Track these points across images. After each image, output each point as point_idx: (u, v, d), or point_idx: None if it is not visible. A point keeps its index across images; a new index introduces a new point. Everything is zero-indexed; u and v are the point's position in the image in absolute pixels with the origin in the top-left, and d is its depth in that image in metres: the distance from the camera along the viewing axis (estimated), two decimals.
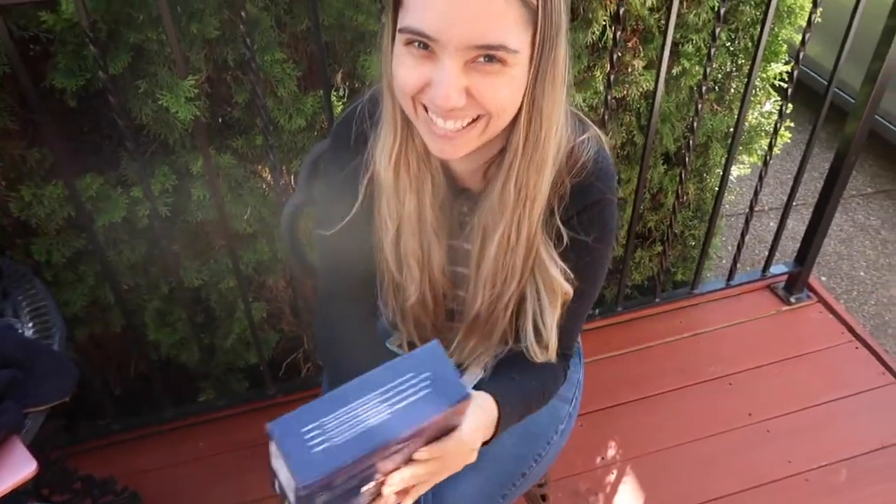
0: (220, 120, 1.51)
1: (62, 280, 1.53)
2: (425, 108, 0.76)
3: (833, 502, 1.63)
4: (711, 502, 1.64)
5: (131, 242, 1.54)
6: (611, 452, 1.75)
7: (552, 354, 0.94)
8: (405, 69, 0.74)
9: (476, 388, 0.92)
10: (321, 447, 0.66)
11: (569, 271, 0.90)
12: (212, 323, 1.77)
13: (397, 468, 0.74)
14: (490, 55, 0.71)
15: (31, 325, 1.14)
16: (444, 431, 0.77)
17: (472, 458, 0.83)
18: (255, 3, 1.34)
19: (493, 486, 1.04)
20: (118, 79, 1.31)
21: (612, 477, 1.70)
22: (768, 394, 1.88)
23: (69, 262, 1.50)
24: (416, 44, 0.71)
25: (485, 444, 0.86)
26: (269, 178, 1.57)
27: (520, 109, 0.77)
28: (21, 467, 0.92)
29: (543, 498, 1.33)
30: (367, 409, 0.69)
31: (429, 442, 0.76)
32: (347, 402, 0.69)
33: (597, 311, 2.05)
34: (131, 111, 1.36)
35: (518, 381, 0.94)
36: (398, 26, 0.73)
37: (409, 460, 0.75)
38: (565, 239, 0.88)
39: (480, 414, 0.84)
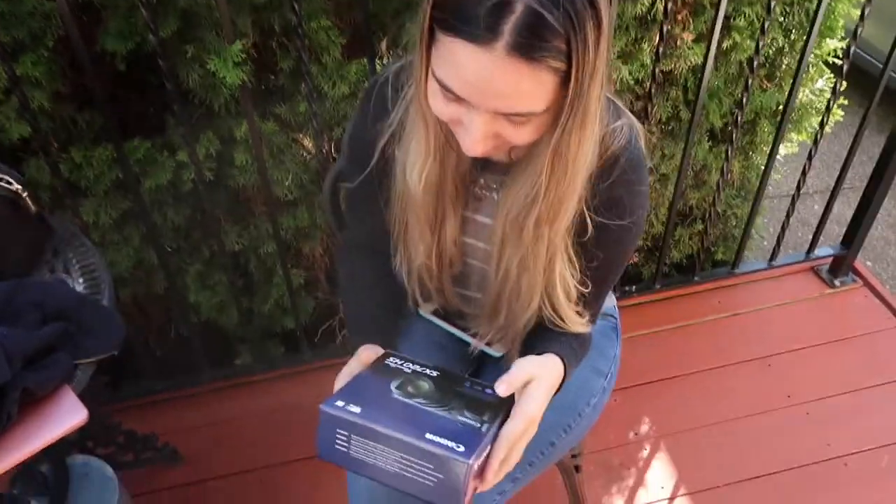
0: (263, 87, 1.51)
1: (108, 241, 1.57)
2: None
3: (874, 487, 1.61)
4: (748, 482, 1.62)
5: (175, 205, 1.57)
6: (645, 428, 1.75)
7: (581, 328, 0.95)
8: (438, 104, 0.76)
9: (525, 352, 0.92)
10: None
11: (583, 270, 0.90)
12: (251, 287, 1.80)
13: None
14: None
15: (81, 280, 1.17)
16: None
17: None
18: None
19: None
20: (166, 43, 1.32)
21: (645, 453, 1.69)
22: (809, 377, 1.85)
23: (115, 223, 1.54)
24: (449, 92, 0.73)
25: None
26: (310, 145, 1.58)
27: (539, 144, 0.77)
28: (73, 415, 0.95)
29: (577, 469, 1.33)
30: (384, 451, 0.73)
31: None
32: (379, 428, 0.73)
33: (634, 287, 2.03)
34: (178, 76, 1.38)
35: (566, 342, 0.93)
36: (433, 70, 0.73)
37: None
38: (590, 227, 0.87)
39: (548, 384, 0.83)
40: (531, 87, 0.69)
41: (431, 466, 0.71)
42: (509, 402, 0.81)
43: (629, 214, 0.89)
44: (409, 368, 0.84)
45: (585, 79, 0.70)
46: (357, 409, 0.73)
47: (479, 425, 0.76)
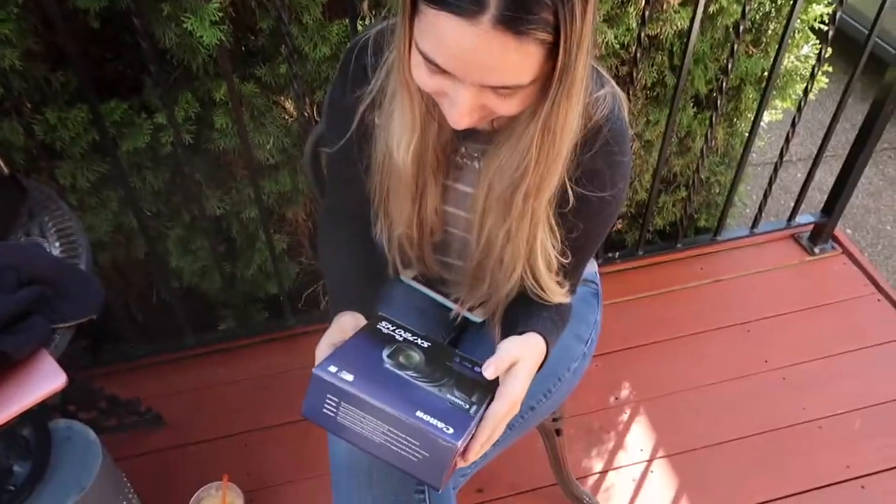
0: (243, 48, 1.48)
1: (86, 205, 1.54)
2: None
3: (846, 450, 1.65)
4: (723, 445, 1.66)
5: (154, 169, 1.54)
6: (625, 393, 1.77)
7: (561, 298, 0.95)
8: (422, 76, 0.75)
9: (507, 328, 0.94)
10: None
11: (563, 241, 0.90)
12: (233, 252, 1.79)
13: None
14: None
15: (57, 244, 1.15)
16: None
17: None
18: None
19: None
20: (141, 0, 1.29)
21: (625, 416, 1.72)
22: (786, 342, 1.88)
23: (93, 186, 1.51)
24: (433, 65, 0.71)
25: None
26: (292, 108, 1.55)
27: (529, 119, 0.76)
28: (51, 379, 0.94)
29: (558, 432, 1.35)
30: (372, 422, 0.73)
31: None
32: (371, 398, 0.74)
33: (617, 254, 2.04)
34: (154, 35, 1.34)
35: (548, 317, 0.94)
36: (417, 43, 0.72)
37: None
38: (571, 198, 0.87)
39: (530, 365, 0.85)
40: (518, 60, 0.68)
41: (418, 444, 0.72)
42: (496, 381, 0.82)
43: (610, 186, 0.89)
44: (401, 336, 0.84)
45: (573, 49, 0.69)
46: (350, 378, 0.73)
47: (467, 406, 0.77)
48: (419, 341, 0.85)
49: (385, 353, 0.80)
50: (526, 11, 0.64)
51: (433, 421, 0.72)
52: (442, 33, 0.67)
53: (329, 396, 0.73)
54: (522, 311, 0.95)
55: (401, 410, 0.72)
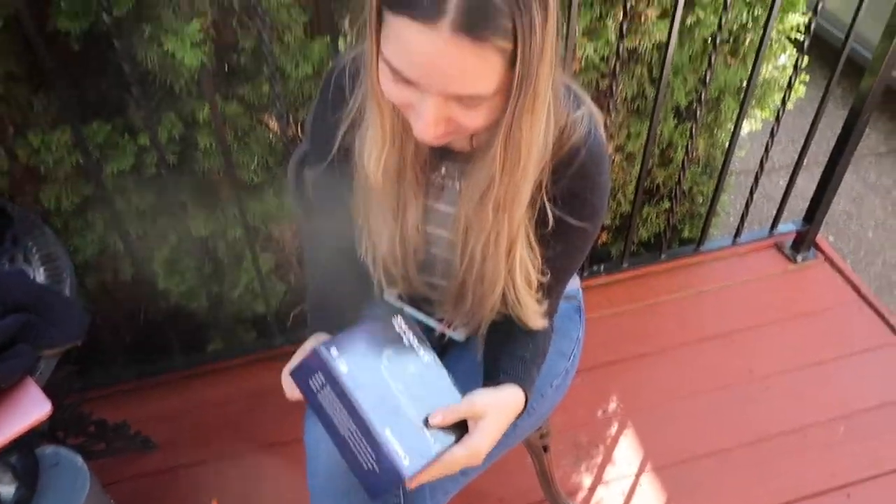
0: (226, 67, 1.49)
1: (71, 227, 1.54)
2: None
3: (829, 456, 1.66)
4: (709, 456, 1.67)
5: (139, 191, 1.54)
6: (612, 406, 1.78)
7: (540, 321, 0.97)
8: (389, 87, 0.76)
9: (489, 369, 0.96)
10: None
11: (543, 261, 0.91)
12: (220, 273, 1.78)
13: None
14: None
15: (42, 270, 1.15)
16: None
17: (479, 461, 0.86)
18: None
19: None
20: (122, 22, 1.29)
21: (612, 430, 1.73)
22: (770, 351, 1.89)
23: (78, 209, 1.51)
24: (398, 74, 0.73)
25: None
26: (275, 127, 1.56)
27: (496, 132, 0.77)
28: (37, 408, 0.94)
29: (545, 448, 1.35)
30: (345, 416, 0.76)
31: None
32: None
33: (602, 267, 2.05)
34: (136, 56, 1.35)
35: (529, 359, 0.96)
36: (382, 52, 0.73)
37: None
38: (550, 220, 0.88)
39: (502, 420, 0.87)
40: (477, 67, 0.69)
41: (374, 457, 0.75)
42: (465, 423, 0.85)
43: (589, 207, 0.90)
44: (408, 341, 0.87)
45: (533, 59, 0.70)
46: (345, 369, 0.76)
47: (432, 441, 0.81)
48: (421, 353, 0.87)
49: (386, 354, 0.82)
50: (484, 18, 0.66)
51: (396, 446, 0.76)
52: (404, 39, 0.69)
53: (319, 374, 0.76)
54: (505, 352, 0.97)
55: (373, 421, 0.75)
